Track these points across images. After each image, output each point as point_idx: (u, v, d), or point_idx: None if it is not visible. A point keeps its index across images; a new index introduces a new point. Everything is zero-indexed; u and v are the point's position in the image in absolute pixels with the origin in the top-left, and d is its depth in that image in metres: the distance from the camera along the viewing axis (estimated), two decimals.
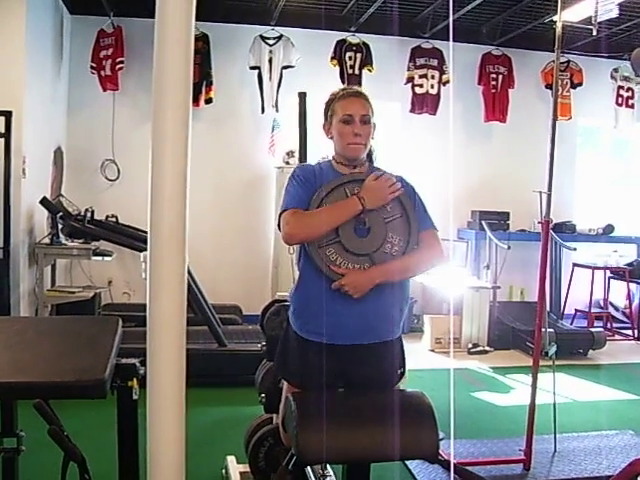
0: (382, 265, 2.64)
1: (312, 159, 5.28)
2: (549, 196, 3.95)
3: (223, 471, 3.78)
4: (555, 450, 4.26)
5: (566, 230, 8.25)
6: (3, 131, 5.48)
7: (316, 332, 2.66)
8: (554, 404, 4.20)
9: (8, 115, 5.47)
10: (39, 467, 3.24)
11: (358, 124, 2.72)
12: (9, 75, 5.71)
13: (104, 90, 7.54)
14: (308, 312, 2.70)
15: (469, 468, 3.91)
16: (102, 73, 7.50)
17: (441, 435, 2.50)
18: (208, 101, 7.70)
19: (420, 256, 2.71)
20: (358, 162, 2.79)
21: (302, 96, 4.39)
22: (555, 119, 3.99)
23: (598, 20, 4.08)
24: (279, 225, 2.71)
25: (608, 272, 8.51)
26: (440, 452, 2.59)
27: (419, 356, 6.73)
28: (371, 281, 2.60)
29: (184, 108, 1.86)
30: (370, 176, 2.69)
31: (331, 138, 2.83)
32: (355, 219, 2.65)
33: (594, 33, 4.13)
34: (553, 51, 3.94)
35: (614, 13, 4.05)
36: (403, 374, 2.80)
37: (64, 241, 6.40)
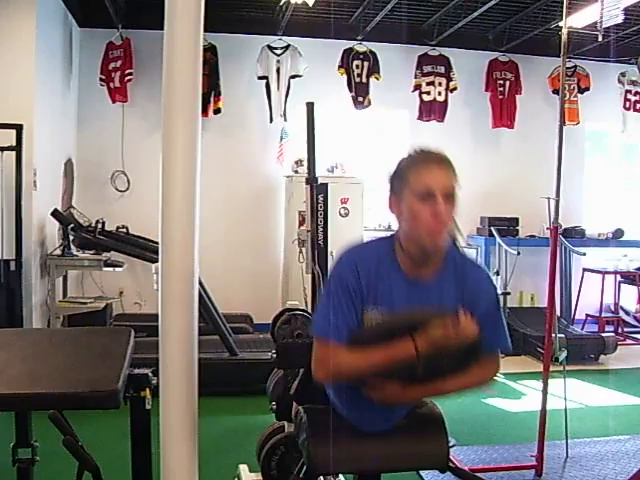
0: (425, 387, 2.20)
1: (320, 168, 5.32)
2: (557, 202, 3.96)
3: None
4: (567, 456, 4.26)
5: (575, 235, 8.24)
6: (14, 144, 5.53)
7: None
8: (565, 409, 4.21)
9: (19, 128, 5.53)
10: (54, 477, 3.27)
11: (440, 200, 2.07)
12: (20, 88, 5.77)
13: (113, 102, 7.60)
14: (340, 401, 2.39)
15: (480, 474, 3.91)
16: (111, 85, 7.56)
17: (452, 442, 2.51)
18: (217, 111, 7.74)
19: (473, 379, 2.24)
20: (435, 256, 2.17)
21: (310, 106, 4.41)
22: (562, 125, 4.01)
23: (604, 26, 4.10)
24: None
25: (618, 276, 8.49)
26: (451, 459, 2.60)
27: None
28: (409, 401, 2.32)
29: (194, 119, 1.89)
30: (439, 325, 2.05)
31: (396, 214, 2.21)
32: None
33: (599, 39, 4.14)
34: (560, 56, 3.95)
35: (619, 19, 4.06)
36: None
37: (75, 252, 6.45)
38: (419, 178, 2.09)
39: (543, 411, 3.99)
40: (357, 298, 2.14)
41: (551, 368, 4.05)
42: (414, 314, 2.13)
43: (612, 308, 8.64)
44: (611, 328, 8.19)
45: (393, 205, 2.18)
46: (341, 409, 2.36)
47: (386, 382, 2.15)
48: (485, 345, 2.14)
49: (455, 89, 8.21)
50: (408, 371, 2.10)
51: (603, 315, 8.23)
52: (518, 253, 7.25)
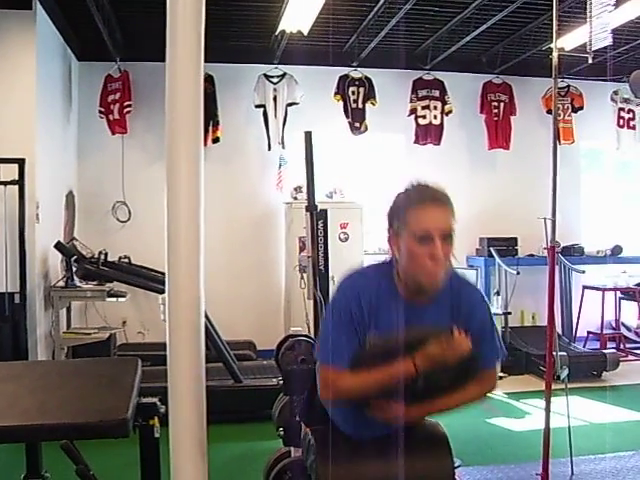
0: (429, 405, 2.33)
1: (319, 194, 5.37)
2: (554, 222, 4.01)
3: None
4: (572, 473, 4.28)
5: (574, 253, 8.28)
6: (17, 178, 5.60)
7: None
8: (569, 427, 4.23)
9: (21, 163, 5.60)
10: None
11: (438, 243, 2.13)
12: (21, 123, 5.84)
13: (113, 134, 7.69)
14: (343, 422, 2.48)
15: None
16: (110, 117, 7.65)
17: (457, 462, 2.54)
18: (215, 140, 7.82)
19: (471, 394, 2.37)
20: (432, 290, 2.22)
21: (308, 135, 4.49)
22: (556, 145, 4.07)
23: (593, 48, 4.18)
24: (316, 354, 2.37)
25: (618, 293, 8.53)
26: (457, 479, 2.63)
27: None
28: (411, 419, 2.33)
29: (196, 150, 1.95)
30: (435, 342, 2.16)
31: (395, 250, 2.24)
32: None
33: (589, 61, 4.22)
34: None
35: (608, 41, 4.13)
36: None
37: (78, 283, 6.50)
38: (417, 220, 2.13)
39: (547, 429, 4.01)
40: (358, 323, 2.21)
41: (553, 386, 4.07)
42: (412, 334, 2.20)
43: (613, 324, 8.66)
44: (613, 345, 8.22)
45: (392, 241, 2.23)
46: (344, 428, 2.45)
47: (388, 402, 2.23)
48: (481, 360, 2.27)
49: (450, 112, 8.30)
50: (408, 389, 2.18)
51: (604, 332, 8.26)
52: (518, 273, 7.30)
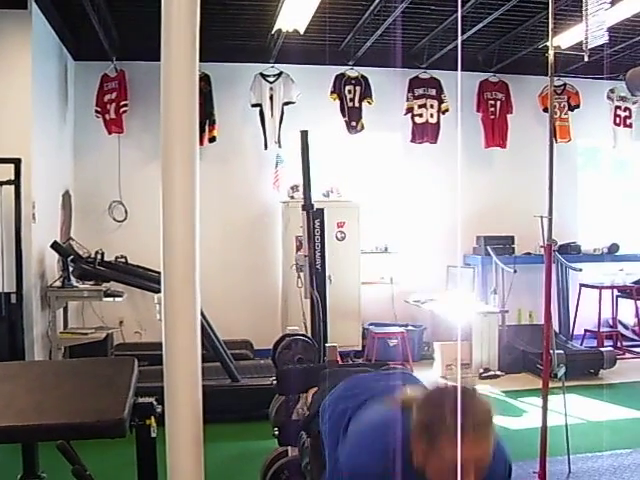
0: None
1: (316, 193, 5.37)
2: (550, 220, 4.01)
3: None
4: (570, 471, 4.28)
5: (571, 251, 8.28)
6: (13, 178, 5.58)
7: None
8: (566, 425, 4.23)
9: (17, 162, 5.58)
10: None
11: (472, 476, 1.76)
12: (17, 123, 5.83)
13: (109, 133, 7.67)
14: None
15: None
16: (107, 117, 7.64)
17: None
18: (212, 140, 7.81)
19: None
20: None
21: (304, 134, 4.49)
22: (552, 144, 4.07)
23: (589, 46, 4.18)
24: None
25: (615, 291, 8.53)
26: None
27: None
28: None
29: (192, 149, 1.94)
30: None
31: (419, 453, 1.86)
32: None
33: (586, 59, 4.22)
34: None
35: (604, 39, 4.14)
36: None
37: (75, 283, 6.48)
38: (451, 451, 1.72)
39: (544, 427, 4.01)
40: None
41: (551, 384, 4.08)
42: None
43: (610, 322, 8.67)
44: (610, 342, 8.21)
45: (417, 445, 1.86)
46: None
47: None
48: None
49: (447, 111, 8.29)
50: None
51: (601, 330, 8.26)
52: (515, 271, 7.30)
